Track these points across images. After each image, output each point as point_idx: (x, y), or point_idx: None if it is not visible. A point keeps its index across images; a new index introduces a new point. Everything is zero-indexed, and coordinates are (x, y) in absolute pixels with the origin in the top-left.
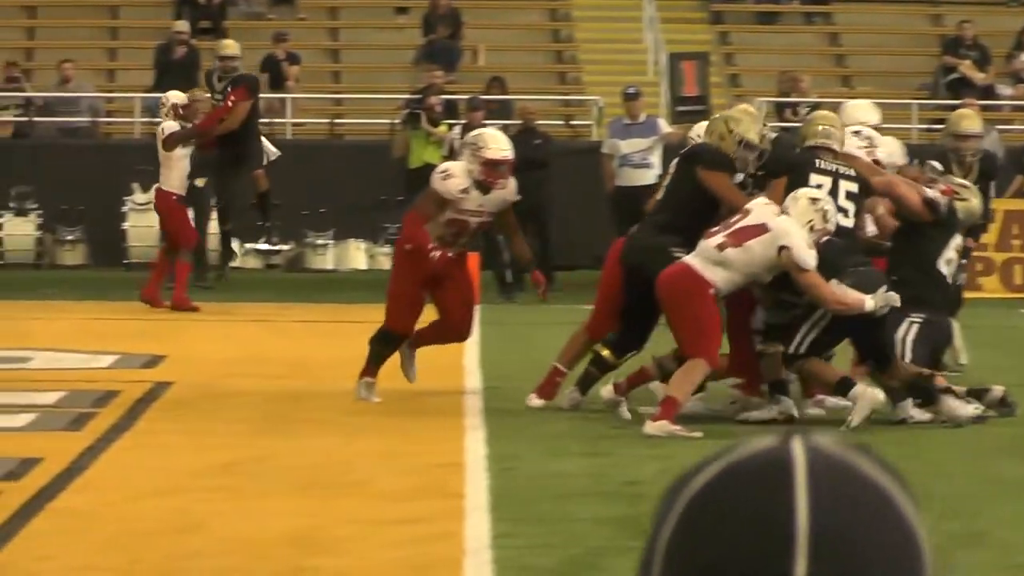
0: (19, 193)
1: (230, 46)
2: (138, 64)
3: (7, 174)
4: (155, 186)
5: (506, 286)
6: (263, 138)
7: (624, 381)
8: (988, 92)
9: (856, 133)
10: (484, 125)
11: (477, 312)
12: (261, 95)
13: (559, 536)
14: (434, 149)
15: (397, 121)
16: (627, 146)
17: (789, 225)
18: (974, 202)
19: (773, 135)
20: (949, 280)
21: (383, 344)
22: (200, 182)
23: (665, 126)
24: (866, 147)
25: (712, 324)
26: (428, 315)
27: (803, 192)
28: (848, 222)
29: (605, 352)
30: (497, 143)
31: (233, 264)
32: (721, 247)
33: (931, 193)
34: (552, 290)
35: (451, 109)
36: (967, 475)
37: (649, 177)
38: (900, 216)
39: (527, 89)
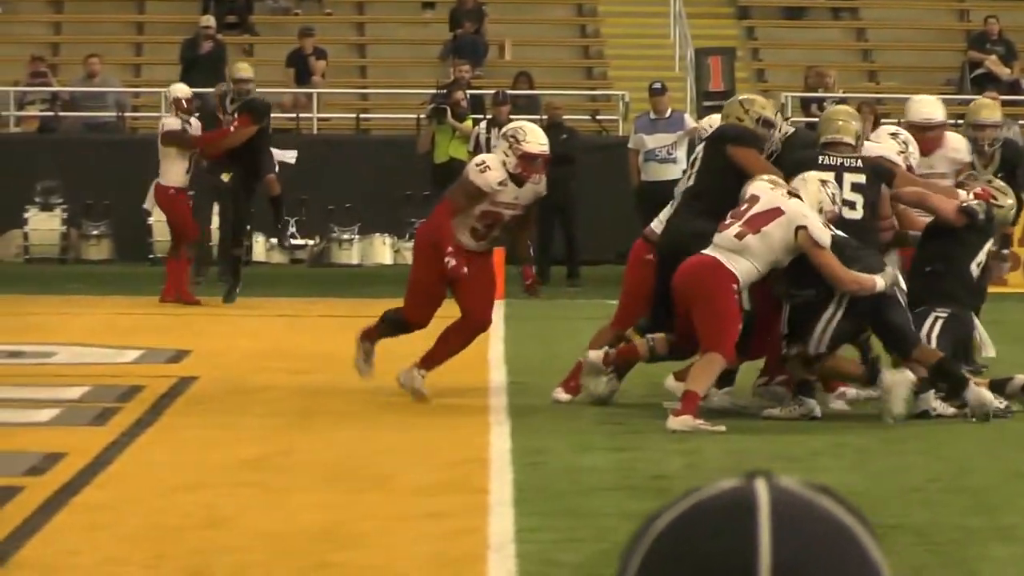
0: (45, 188)
1: (244, 69)
2: (164, 59)
3: (33, 169)
4: (154, 181)
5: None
6: (272, 149)
7: (615, 353)
8: (1014, 87)
9: (894, 135)
10: (510, 120)
11: (501, 307)
12: (288, 90)
13: (585, 531)
14: (460, 144)
15: (423, 116)
16: (653, 141)
17: (802, 205)
18: (1009, 204)
19: (790, 130)
20: (975, 280)
21: (395, 327)
22: (226, 177)
23: (691, 121)
24: (901, 151)
25: (732, 319)
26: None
27: (812, 175)
28: (855, 214)
29: (637, 339)
30: (536, 137)
31: (257, 259)
32: (740, 236)
33: (967, 200)
34: (577, 285)
35: (477, 104)
36: (992, 469)
37: (675, 172)
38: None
39: (553, 84)
